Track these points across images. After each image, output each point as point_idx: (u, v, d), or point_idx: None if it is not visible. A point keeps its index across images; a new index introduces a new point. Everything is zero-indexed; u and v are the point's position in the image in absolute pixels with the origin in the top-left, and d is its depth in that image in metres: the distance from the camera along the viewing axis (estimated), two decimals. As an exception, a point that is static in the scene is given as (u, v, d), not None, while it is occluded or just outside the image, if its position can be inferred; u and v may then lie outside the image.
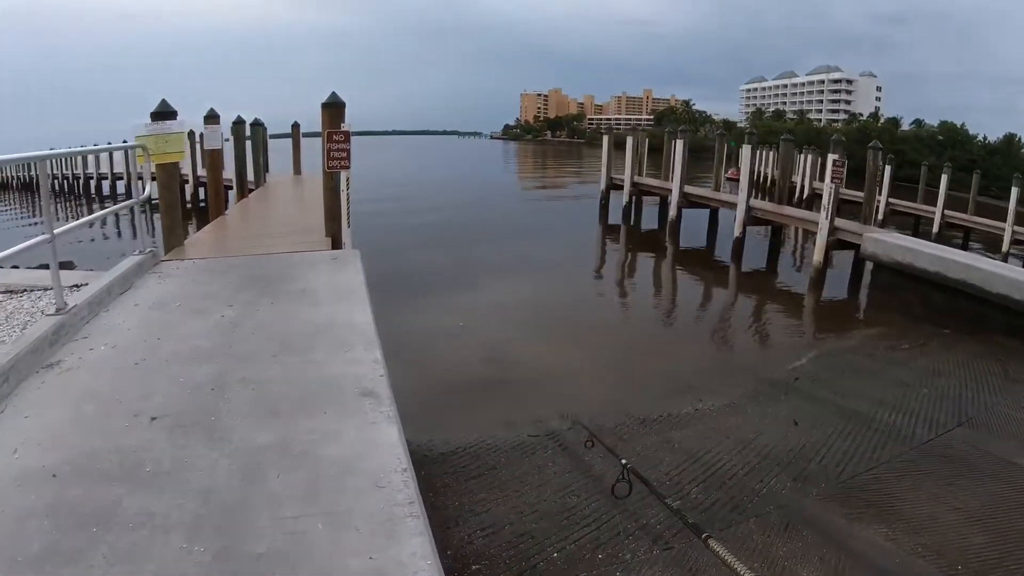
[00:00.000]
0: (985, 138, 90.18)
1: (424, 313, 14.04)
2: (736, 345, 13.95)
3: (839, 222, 18.95)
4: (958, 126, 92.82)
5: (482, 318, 13.97)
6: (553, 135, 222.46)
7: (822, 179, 43.01)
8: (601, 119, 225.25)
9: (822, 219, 18.56)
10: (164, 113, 9.04)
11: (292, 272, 7.73)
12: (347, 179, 10.39)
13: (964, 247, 30.87)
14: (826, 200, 18.48)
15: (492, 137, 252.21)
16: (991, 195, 42.09)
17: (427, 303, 14.88)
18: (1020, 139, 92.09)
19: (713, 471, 7.26)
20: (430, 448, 7.52)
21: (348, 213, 10.44)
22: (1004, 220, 31.11)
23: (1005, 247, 29.97)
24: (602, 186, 31.47)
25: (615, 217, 29.67)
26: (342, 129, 9.76)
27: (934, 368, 11.65)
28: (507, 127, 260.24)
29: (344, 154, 9.75)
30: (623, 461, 5.15)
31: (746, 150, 22.82)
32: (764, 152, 51.93)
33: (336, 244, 9.97)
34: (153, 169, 8.72)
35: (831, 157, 18.71)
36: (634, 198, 29.76)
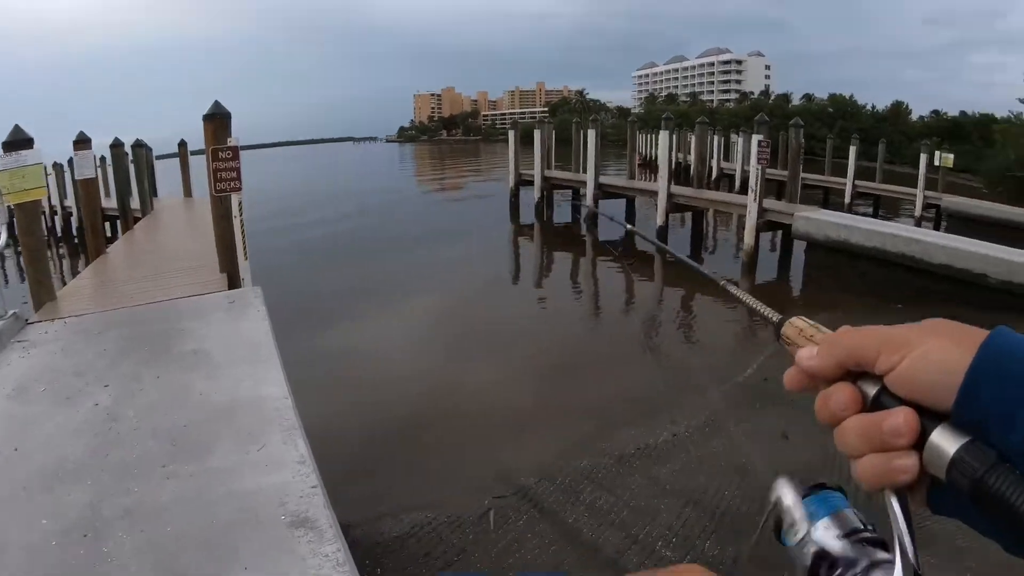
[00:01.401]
0: (874, 107, 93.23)
1: (337, 342, 12.39)
2: (686, 348, 13.06)
3: (768, 203, 18.43)
4: (847, 97, 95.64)
5: (405, 345, 12.29)
6: (448, 134, 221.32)
7: (726, 159, 43.45)
8: (495, 115, 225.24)
9: (750, 201, 17.93)
10: (17, 142, 7.60)
11: (183, 325, 6.41)
12: (239, 203, 8.88)
13: (875, 215, 31.32)
14: (753, 181, 17.86)
15: (387, 141, 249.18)
16: (887, 162, 42.88)
17: (338, 331, 13.09)
18: (907, 106, 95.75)
19: (720, 514, 6.15)
20: (379, 533, 6.14)
21: (245, 243, 8.97)
22: (907, 186, 32.46)
23: (917, 212, 30.38)
24: (511, 182, 29.89)
25: (527, 214, 28.37)
26: (229, 144, 8.43)
27: None
28: (402, 129, 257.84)
29: (234, 174, 8.40)
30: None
31: (664, 136, 21.92)
32: (651, 136, 52.13)
33: (233, 282, 8.63)
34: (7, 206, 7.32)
35: (755, 138, 18.09)
36: (545, 193, 28.54)
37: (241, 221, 8.78)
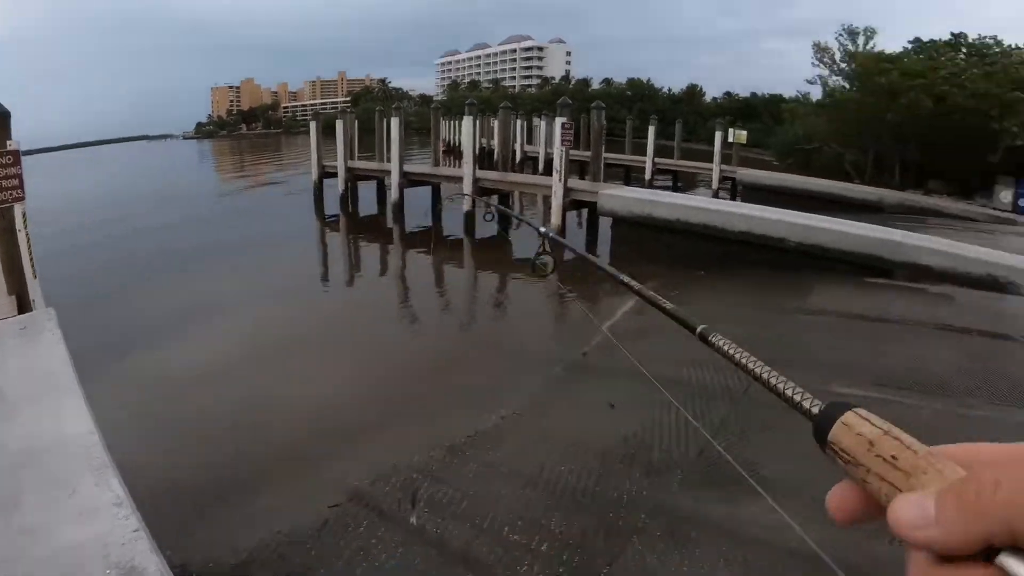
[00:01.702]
0: (670, 90, 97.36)
1: (147, 364, 10.93)
2: (502, 329, 13.03)
3: (572, 182, 18.70)
4: (644, 81, 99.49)
5: (219, 360, 11.18)
6: (248, 128, 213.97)
7: (529, 143, 44.09)
8: (296, 106, 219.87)
9: (555, 181, 18.15)
10: None
11: (-34, 360, 5.53)
12: (24, 214, 7.91)
13: (674, 190, 32.80)
14: (558, 162, 18.06)
15: (185, 137, 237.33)
16: (684, 140, 45.02)
17: (146, 352, 11.43)
18: (701, 88, 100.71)
19: (562, 492, 5.99)
20: (219, 566, 5.51)
21: (32, 259, 7.99)
22: (703, 161, 34.34)
23: (714, 185, 32.24)
24: (314, 176, 28.69)
25: (332, 207, 27.39)
26: (9, 148, 7.53)
27: (707, 313, 11.51)
28: (199, 125, 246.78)
29: (16, 181, 7.46)
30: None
31: (467, 121, 21.78)
32: (455, 123, 52.37)
33: (23, 305, 7.76)
34: None
35: (559, 120, 18.30)
36: (350, 184, 27.74)
37: (27, 235, 7.83)
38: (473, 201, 20.84)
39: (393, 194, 24.25)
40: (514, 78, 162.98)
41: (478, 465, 6.47)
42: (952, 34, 37.77)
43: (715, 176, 32.51)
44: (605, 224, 18.34)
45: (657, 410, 7.37)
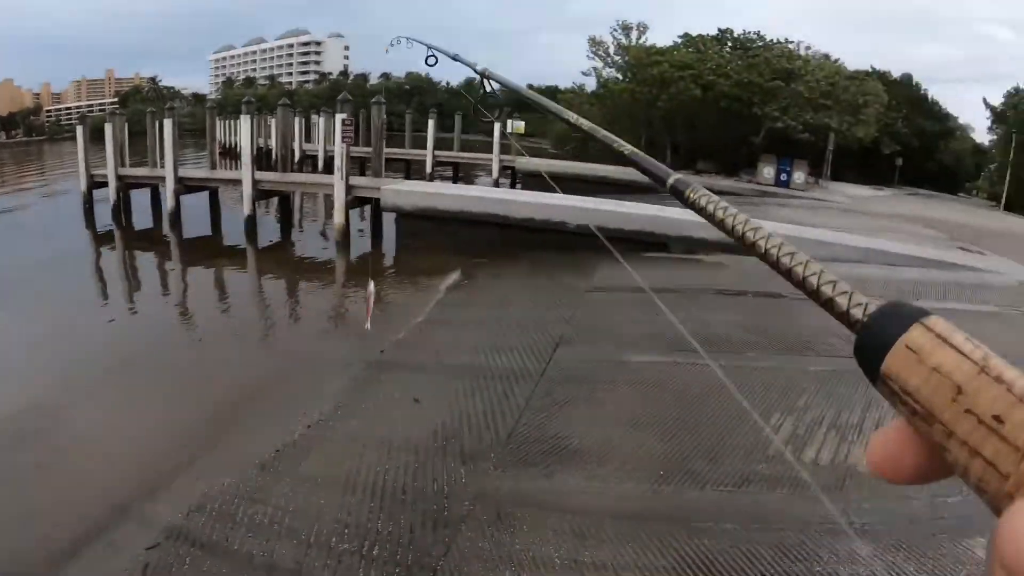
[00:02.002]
0: (448, 83, 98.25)
1: None
2: (295, 335, 12.52)
3: (354, 179, 18.49)
4: (423, 75, 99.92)
5: None
6: (9, 136, 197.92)
7: (308, 141, 43.21)
8: (61, 109, 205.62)
9: (337, 180, 17.80)
10: None
11: None
12: None
13: (455, 181, 33.25)
14: (339, 160, 17.72)
15: None
16: (464, 132, 45.65)
17: None
18: (479, 81, 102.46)
19: (382, 493, 5.73)
20: None
21: None
22: (484, 152, 34.59)
23: (495, 175, 32.94)
24: (83, 186, 25.69)
25: (104, 219, 24.62)
26: None
27: (498, 298, 11.76)
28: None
29: None
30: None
31: (245, 121, 20.92)
32: (231, 122, 50.70)
33: None
34: None
35: (339, 117, 17.97)
36: (122, 194, 25.53)
37: None
38: (254, 204, 20.09)
39: (169, 202, 22.61)
40: (291, 74, 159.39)
41: (292, 479, 6.14)
42: (719, 29, 40.96)
43: (495, 166, 33.24)
44: (389, 219, 18.16)
45: (464, 400, 7.34)
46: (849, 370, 7.25)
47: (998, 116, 49.38)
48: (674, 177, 0.77)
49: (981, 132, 59.57)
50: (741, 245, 0.64)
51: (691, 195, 0.76)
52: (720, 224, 0.68)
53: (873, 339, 0.40)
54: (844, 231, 16.66)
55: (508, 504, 5.36)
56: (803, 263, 0.54)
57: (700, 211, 0.74)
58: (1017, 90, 46.41)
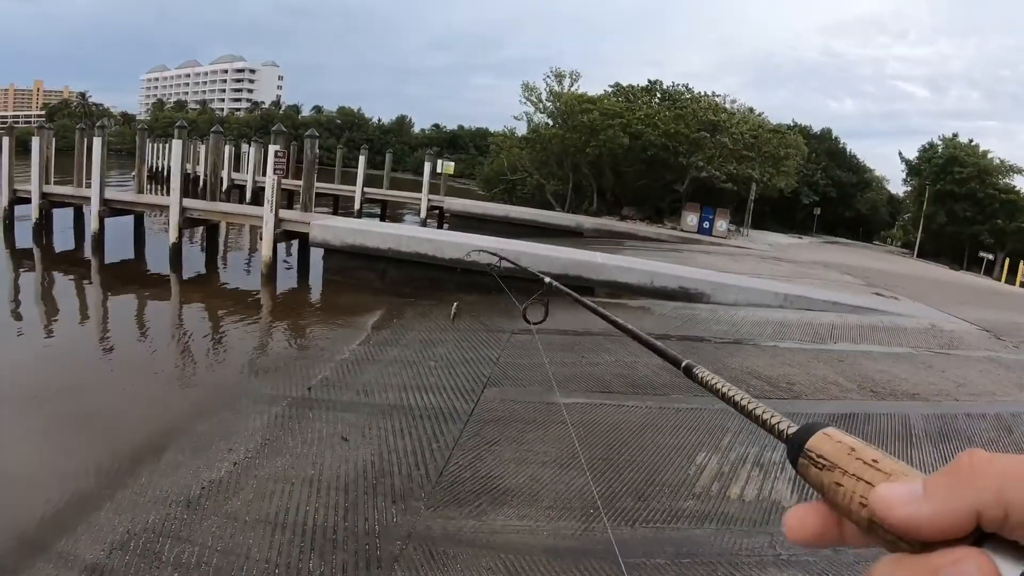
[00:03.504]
0: (380, 120, 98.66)
1: None
2: (220, 369, 12.26)
3: (284, 213, 18.38)
4: (355, 110, 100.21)
5: None
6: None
7: (236, 170, 42.82)
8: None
9: (267, 212, 17.64)
10: None
11: None
12: None
13: (382, 219, 33.34)
14: (269, 192, 17.55)
15: None
16: (393, 169, 45.80)
17: None
18: (411, 119, 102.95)
19: (312, 532, 5.67)
20: None
21: None
22: (412, 191, 34.74)
23: (423, 214, 33.10)
24: (4, 201, 24.51)
25: (24, 239, 23.85)
26: None
27: (425, 338, 11.84)
28: None
29: None
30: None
31: (177, 145, 20.53)
32: (160, 146, 50.04)
33: None
34: None
35: (272, 148, 17.86)
36: (44, 212, 24.69)
37: None
38: (180, 232, 19.81)
39: (93, 224, 21.92)
40: (223, 100, 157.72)
41: (220, 517, 6.05)
42: (649, 80, 42.52)
43: (423, 205, 33.36)
44: (316, 255, 18.12)
45: (392, 438, 7.37)
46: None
47: (912, 169, 52.12)
48: (686, 362, 0.99)
49: (896, 183, 63.54)
50: (715, 395, 0.94)
51: (699, 374, 1.04)
52: (723, 397, 0.91)
53: (801, 436, 0.59)
54: (764, 277, 17.21)
55: (441, 543, 5.38)
56: (749, 399, 0.80)
57: (707, 387, 1.00)
58: (931, 144, 49.25)
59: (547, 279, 2.25)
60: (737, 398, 0.85)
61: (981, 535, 0.42)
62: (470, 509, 5.92)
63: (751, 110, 42.42)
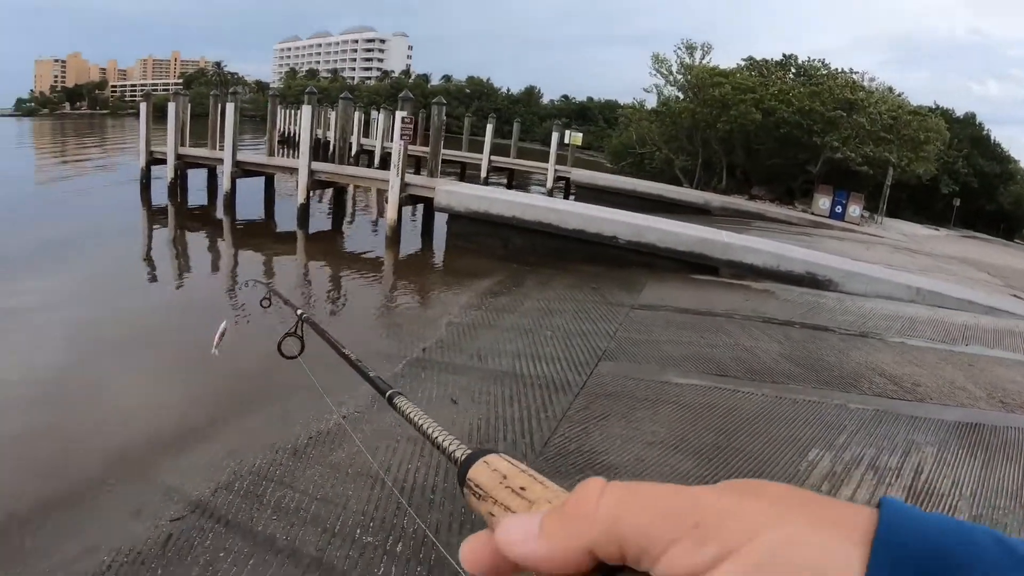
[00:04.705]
0: (508, 90, 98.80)
1: None
2: (339, 326, 12.47)
3: (409, 178, 18.56)
4: (484, 80, 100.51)
5: (25, 372, 9.83)
6: (73, 107, 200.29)
7: (366, 136, 43.54)
8: (126, 86, 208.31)
9: (393, 176, 17.89)
10: None
11: None
12: None
13: (509, 187, 33.24)
14: (396, 157, 17.80)
15: (1, 115, 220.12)
16: (520, 139, 45.64)
17: None
18: (539, 90, 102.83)
19: (411, 490, 5.63)
20: None
21: None
22: (539, 161, 34.33)
23: (549, 184, 32.86)
24: (142, 162, 25.91)
25: (160, 195, 25.05)
26: None
27: (544, 307, 11.76)
28: (20, 101, 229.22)
29: None
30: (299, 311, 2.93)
31: (306, 111, 21.14)
32: (291, 112, 51.19)
33: None
34: None
35: (399, 115, 18.15)
36: (179, 172, 25.90)
37: None
38: (308, 194, 20.30)
39: (225, 184, 23.01)
40: (354, 69, 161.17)
41: (323, 467, 6.15)
42: (783, 55, 40.86)
43: (550, 175, 33.16)
44: (441, 219, 18.26)
45: (501, 405, 7.34)
46: (891, 411, 7.17)
47: (1064, 163, 48.52)
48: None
49: (1045, 178, 58.38)
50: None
51: (399, 403, 1.04)
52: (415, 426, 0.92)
53: (468, 462, 0.59)
54: (896, 268, 16.45)
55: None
56: (434, 425, 0.83)
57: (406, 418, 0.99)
58: (1085, 136, 45.71)
59: (299, 311, 2.11)
60: (426, 426, 0.86)
61: (611, 568, 0.40)
62: (571, 483, 5.78)
63: (890, 89, 40.27)
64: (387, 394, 1.06)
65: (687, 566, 0.35)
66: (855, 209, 31.31)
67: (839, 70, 38.68)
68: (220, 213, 22.58)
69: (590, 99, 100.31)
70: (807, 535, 0.34)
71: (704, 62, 39.21)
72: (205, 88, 77.16)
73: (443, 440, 0.75)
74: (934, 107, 45.49)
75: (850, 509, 0.35)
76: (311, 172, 20.23)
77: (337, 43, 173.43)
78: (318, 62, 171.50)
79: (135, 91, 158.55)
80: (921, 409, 7.48)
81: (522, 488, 0.51)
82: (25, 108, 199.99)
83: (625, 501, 0.40)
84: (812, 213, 31.41)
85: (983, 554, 0.32)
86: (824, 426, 6.82)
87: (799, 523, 0.35)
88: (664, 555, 0.36)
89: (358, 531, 5.14)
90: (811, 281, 13.48)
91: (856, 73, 38.71)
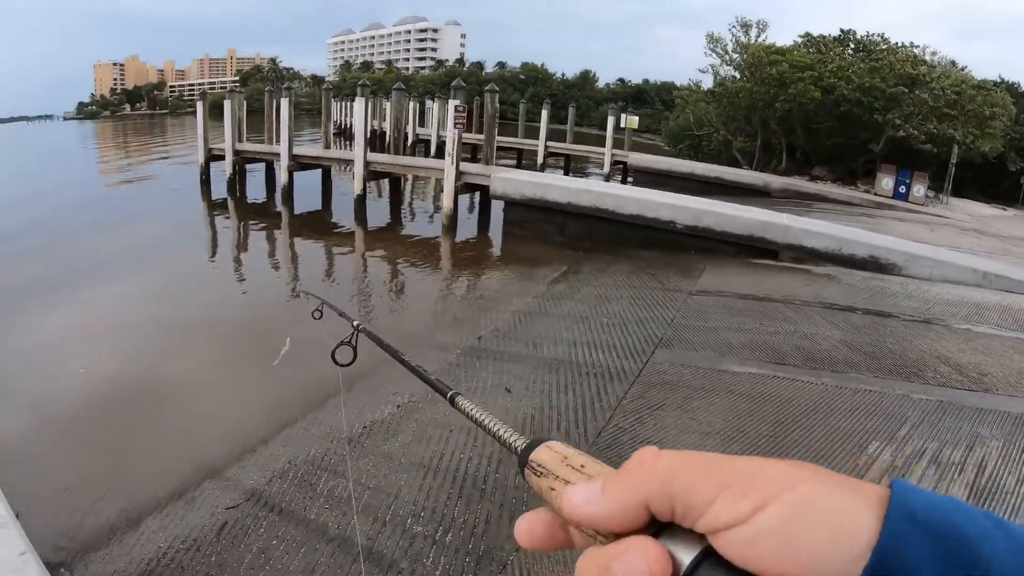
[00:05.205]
0: (563, 75, 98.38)
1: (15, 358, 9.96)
2: (396, 315, 12.63)
3: (465, 166, 18.59)
4: (538, 66, 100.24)
5: (93, 356, 10.08)
6: (133, 108, 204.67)
7: (421, 125, 43.72)
8: (183, 85, 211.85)
9: (447, 165, 17.96)
10: None
11: None
12: None
13: (566, 173, 33.19)
14: (450, 146, 17.88)
15: (65, 118, 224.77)
16: (576, 124, 45.46)
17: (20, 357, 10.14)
18: (594, 74, 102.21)
19: (463, 480, 5.61)
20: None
21: None
22: (595, 145, 34.17)
23: (606, 169, 32.76)
24: (201, 159, 26.66)
25: (219, 191, 25.82)
26: None
27: (601, 294, 11.71)
28: (82, 105, 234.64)
29: None
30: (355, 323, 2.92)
31: (360, 102, 21.28)
32: (346, 104, 51.50)
33: None
34: None
35: (452, 103, 18.16)
36: (238, 167, 26.33)
37: None
38: (365, 184, 20.44)
39: (282, 178, 23.36)
40: (408, 59, 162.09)
41: (376, 456, 6.19)
42: (841, 30, 39.81)
43: (607, 160, 32.96)
44: (497, 207, 18.27)
45: (555, 394, 7.30)
46: (956, 403, 6.95)
47: None
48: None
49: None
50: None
51: (461, 403, 1.03)
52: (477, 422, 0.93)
53: (530, 448, 0.62)
54: (963, 251, 16.01)
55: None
56: (494, 420, 0.83)
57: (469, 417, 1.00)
58: None
59: (355, 322, 2.04)
60: (466, 407, 0.93)
61: (662, 525, 0.46)
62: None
63: (953, 63, 39.04)
64: (448, 395, 1.10)
65: (729, 516, 0.41)
66: (919, 189, 30.41)
67: (899, 44, 37.62)
68: (279, 206, 22.96)
69: (646, 81, 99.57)
70: (832, 492, 0.41)
71: (760, 40, 38.50)
72: (261, 84, 78.27)
73: (504, 433, 0.77)
74: (999, 81, 43.96)
75: (862, 482, 0.42)
76: (367, 163, 20.38)
77: (390, 34, 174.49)
78: (371, 54, 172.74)
79: (193, 90, 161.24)
80: (987, 400, 7.21)
81: (582, 466, 0.56)
82: (87, 111, 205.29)
83: (677, 462, 0.47)
84: (875, 193, 30.67)
85: (990, 531, 0.39)
86: (885, 417, 6.62)
87: (823, 483, 0.41)
88: (710, 509, 0.42)
89: (409, 520, 5.18)
90: (874, 265, 13.18)
91: (917, 47, 37.66)
